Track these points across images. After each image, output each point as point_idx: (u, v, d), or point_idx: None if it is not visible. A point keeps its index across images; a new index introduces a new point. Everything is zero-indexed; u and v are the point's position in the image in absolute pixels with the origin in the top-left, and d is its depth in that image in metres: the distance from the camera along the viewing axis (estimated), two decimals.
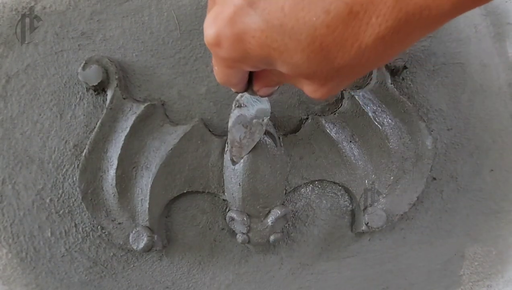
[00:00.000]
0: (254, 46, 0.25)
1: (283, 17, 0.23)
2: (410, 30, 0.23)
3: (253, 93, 0.34)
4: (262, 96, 0.36)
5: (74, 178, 0.43)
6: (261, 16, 0.24)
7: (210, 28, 0.26)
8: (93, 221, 0.43)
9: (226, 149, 0.42)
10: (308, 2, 0.23)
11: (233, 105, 0.40)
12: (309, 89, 0.28)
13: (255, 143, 0.40)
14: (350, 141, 0.44)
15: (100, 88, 0.42)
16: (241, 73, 0.30)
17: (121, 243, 0.43)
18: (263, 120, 0.40)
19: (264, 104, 0.39)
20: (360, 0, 0.22)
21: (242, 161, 0.41)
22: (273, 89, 0.34)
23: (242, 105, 0.40)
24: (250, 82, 0.33)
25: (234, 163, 0.41)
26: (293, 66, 0.26)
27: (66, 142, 0.43)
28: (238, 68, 0.29)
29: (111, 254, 0.44)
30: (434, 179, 0.46)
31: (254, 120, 0.40)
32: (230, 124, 0.40)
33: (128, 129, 0.41)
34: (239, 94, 0.40)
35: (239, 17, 0.25)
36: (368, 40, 0.23)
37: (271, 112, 0.44)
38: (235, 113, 0.40)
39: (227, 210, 0.44)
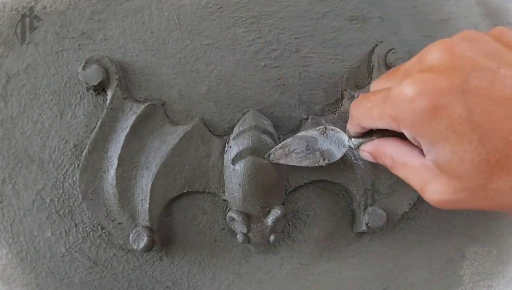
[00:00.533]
0: (440, 123, 0.26)
1: (486, 119, 0.25)
2: None
3: (356, 145, 0.35)
4: (359, 154, 0.36)
5: (74, 178, 0.43)
6: (468, 107, 0.25)
7: (413, 86, 0.27)
8: (93, 220, 0.43)
9: (226, 149, 0.43)
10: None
11: (319, 127, 0.40)
12: (436, 188, 0.29)
13: (296, 164, 0.41)
14: None
15: (100, 88, 0.42)
16: (380, 125, 0.31)
17: (121, 243, 0.43)
18: (323, 160, 0.40)
19: (338, 153, 0.39)
20: None
21: (242, 161, 0.41)
22: (371, 159, 0.35)
23: (324, 134, 0.40)
24: (368, 134, 0.34)
25: (270, 157, 0.40)
26: (453, 155, 0.26)
27: (66, 142, 0.43)
28: (387, 123, 0.30)
29: (111, 254, 0.44)
30: None
31: (317, 153, 0.40)
32: (300, 133, 0.40)
33: (128, 129, 0.41)
34: (332, 127, 0.40)
35: (447, 95, 0.26)
36: None
37: (271, 113, 0.44)
38: (313, 133, 0.40)
39: (227, 210, 0.44)
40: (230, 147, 0.42)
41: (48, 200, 0.43)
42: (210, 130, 0.43)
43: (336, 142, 0.39)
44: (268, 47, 0.44)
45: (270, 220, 0.42)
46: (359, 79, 0.45)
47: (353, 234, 0.46)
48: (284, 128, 0.45)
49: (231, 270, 0.46)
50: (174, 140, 0.42)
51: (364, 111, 0.32)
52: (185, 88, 0.44)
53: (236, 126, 0.43)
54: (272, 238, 0.43)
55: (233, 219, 0.42)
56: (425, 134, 0.27)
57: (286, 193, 0.44)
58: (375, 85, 0.35)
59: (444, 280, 0.48)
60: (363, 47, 0.45)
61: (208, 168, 0.43)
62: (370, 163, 0.44)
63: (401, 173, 0.32)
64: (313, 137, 0.40)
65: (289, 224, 0.46)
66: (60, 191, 0.43)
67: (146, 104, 0.42)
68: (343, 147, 0.39)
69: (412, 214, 0.46)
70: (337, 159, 0.40)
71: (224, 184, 0.43)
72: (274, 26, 0.44)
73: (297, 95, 0.45)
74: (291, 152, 0.40)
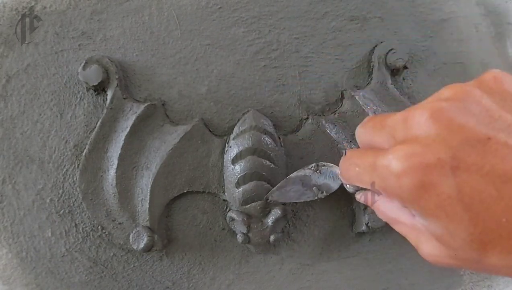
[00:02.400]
0: (429, 201, 0.25)
1: (477, 199, 0.24)
2: None
3: (351, 191, 0.36)
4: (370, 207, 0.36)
5: (74, 178, 0.43)
6: (458, 186, 0.24)
7: (399, 162, 0.25)
8: (93, 221, 0.43)
9: (226, 149, 0.42)
10: (495, 206, 0.23)
11: (310, 166, 0.40)
12: (429, 250, 0.28)
13: (295, 201, 0.41)
14: (350, 141, 0.44)
15: (100, 88, 0.42)
16: (371, 189, 0.30)
17: (121, 243, 0.43)
18: (322, 193, 0.40)
19: (335, 184, 0.39)
20: None
21: (242, 161, 0.41)
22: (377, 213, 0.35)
23: (317, 171, 0.40)
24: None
25: (268, 199, 0.41)
26: (444, 231, 0.25)
27: (66, 142, 0.43)
28: (378, 191, 0.29)
29: (111, 254, 0.44)
30: None
31: (314, 188, 0.40)
32: (292, 175, 0.41)
33: (128, 129, 0.41)
34: (324, 163, 0.40)
35: (435, 172, 0.24)
36: None
37: (271, 113, 0.44)
38: (305, 172, 0.40)
39: (227, 210, 0.44)
40: (230, 147, 0.42)
41: (48, 200, 0.43)
42: (210, 130, 0.43)
43: (330, 176, 0.40)
44: (268, 47, 0.44)
45: (270, 220, 0.42)
46: (359, 79, 0.45)
47: (353, 234, 0.46)
48: (284, 128, 0.45)
49: (231, 270, 0.46)
50: (174, 140, 0.42)
51: (353, 174, 0.32)
52: (185, 88, 0.44)
53: (236, 126, 0.43)
54: (272, 238, 0.43)
55: (233, 219, 0.42)
56: (415, 208, 0.27)
57: None
58: (359, 133, 0.34)
59: (444, 280, 0.48)
60: (363, 47, 0.45)
61: (208, 168, 0.43)
62: None
63: (396, 228, 0.32)
64: (306, 175, 0.40)
65: (289, 224, 0.46)
66: (60, 191, 0.43)
67: (146, 104, 0.42)
68: (338, 179, 0.39)
69: None
70: (334, 190, 0.40)
71: (224, 184, 0.43)
72: (274, 26, 0.44)
73: (297, 95, 0.45)
74: (288, 191, 0.41)
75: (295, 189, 0.40)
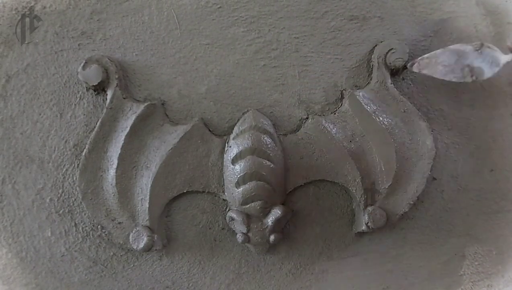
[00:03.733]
0: None
1: None
2: None
3: None
4: None
5: (74, 178, 0.43)
6: None
7: None
8: (93, 220, 0.43)
9: (226, 149, 0.43)
10: None
11: (474, 43, 0.38)
12: None
13: (439, 77, 0.39)
14: (350, 141, 0.44)
15: (100, 88, 0.42)
16: None
17: (121, 242, 0.43)
18: (471, 76, 0.38)
19: (489, 72, 0.38)
20: None
21: (242, 161, 0.41)
22: None
23: (479, 50, 0.38)
24: None
25: (412, 66, 0.40)
26: None
27: (66, 141, 0.43)
28: None
29: (111, 253, 0.44)
30: (435, 178, 0.46)
31: (466, 68, 0.38)
32: (452, 46, 0.39)
33: (128, 129, 0.41)
34: (489, 44, 0.38)
35: None
36: None
37: (271, 112, 0.44)
38: (466, 47, 0.38)
39: (227, 210, 0.44)
40: (230, 146, 0.42)
41: (48, 200, 0.43)
42: (210, 130, 0.43)
43: (489, 61, 0.38)
44: (268, 47, 0.44)
45: (270, 220, 0.42)
46: (359, 79, 0.45)
47: (353, 234, 0.46)
48: (284, 127, 0.45)
49: (231, 270, 0.46)
50: (174, 140, 0.42)
51: None
52: (185, 87, 0.44)
53: (236, 126, 0.43)
54: (272, 238, 0.43)
55: (233, 219, 0.42)
56: None
57: (286, 193, 0.44)
58: None
59: (444, 280, 0.48)
60: (363, 47, 0.45)
61: (208, 167, 0.43)
62: (370, 162, 0.44)
63: None
64: (465, 52, 0.38)
65: (289, 224, 0.46)
66: (60, 191, 0.43)
67: (146, 104, 0.42)
68: (496, 66, 0.37)
69: (412, 214, 0.46)
70: (485, 78, 0.38)
71: (224, 184, 0.43)
72: (274, 26, 0.44)
73: (297, 95, 0.45)
74: (437, 63, 0.39)
75: (446, 62, 0.39)
